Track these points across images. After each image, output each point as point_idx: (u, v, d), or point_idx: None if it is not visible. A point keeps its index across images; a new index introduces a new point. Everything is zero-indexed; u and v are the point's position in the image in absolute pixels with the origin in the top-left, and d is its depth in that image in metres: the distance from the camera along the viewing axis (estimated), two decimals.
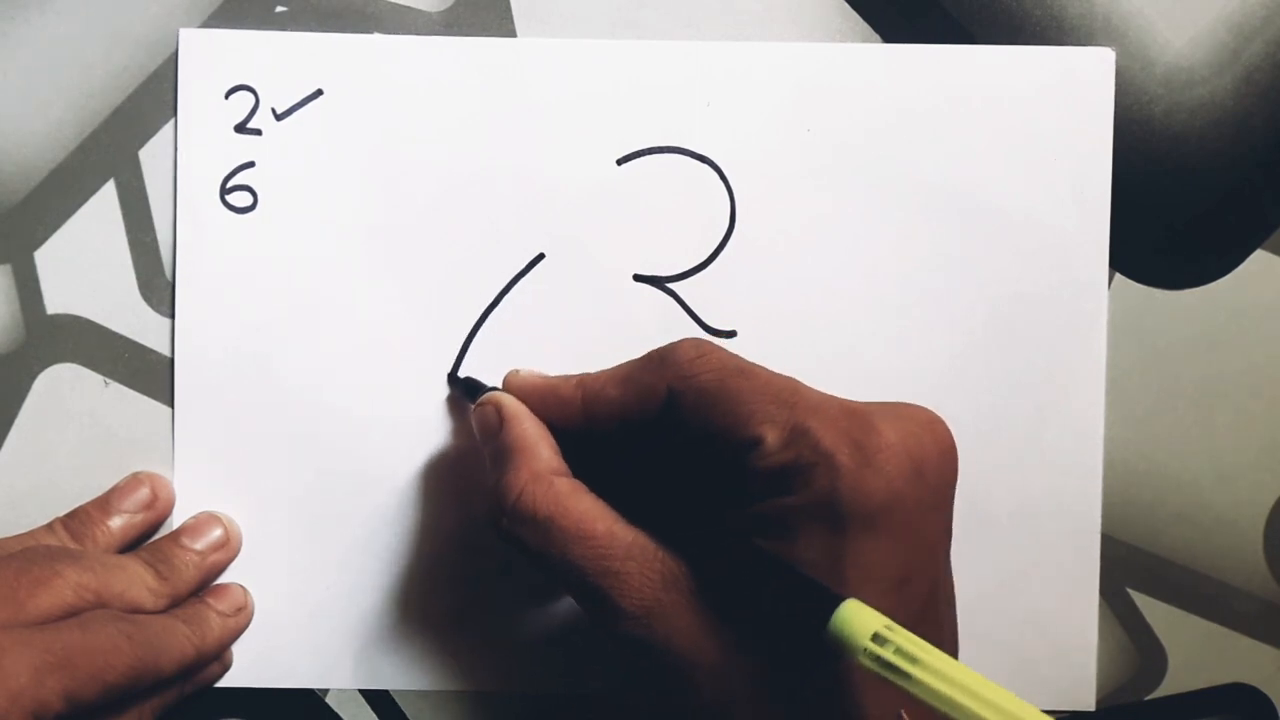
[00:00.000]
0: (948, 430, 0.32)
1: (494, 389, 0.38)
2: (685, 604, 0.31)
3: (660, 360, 0.34)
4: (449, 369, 0.41)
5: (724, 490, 0.32)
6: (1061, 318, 0.41)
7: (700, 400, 0.33)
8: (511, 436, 0.35)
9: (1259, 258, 0.41)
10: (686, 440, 0.33)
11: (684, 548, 0.32)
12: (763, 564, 0.30)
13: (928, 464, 0.31)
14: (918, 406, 0.32)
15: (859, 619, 0.28)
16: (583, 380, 0.36)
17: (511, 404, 0.36)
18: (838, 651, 0.28)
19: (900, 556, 0.30)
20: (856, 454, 0.30)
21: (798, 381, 0.33)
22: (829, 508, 0.30)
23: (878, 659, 0.27)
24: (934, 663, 0.27)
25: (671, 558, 0.32)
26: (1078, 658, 0.41)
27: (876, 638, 0.27)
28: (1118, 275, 0.41)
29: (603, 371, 0.36)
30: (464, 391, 0.40)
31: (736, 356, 0.34)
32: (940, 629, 0.32)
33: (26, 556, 0.36)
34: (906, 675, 0.27)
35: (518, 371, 0.38)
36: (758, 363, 0.33)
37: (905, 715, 0.29)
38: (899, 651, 0.27)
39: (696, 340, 0.34)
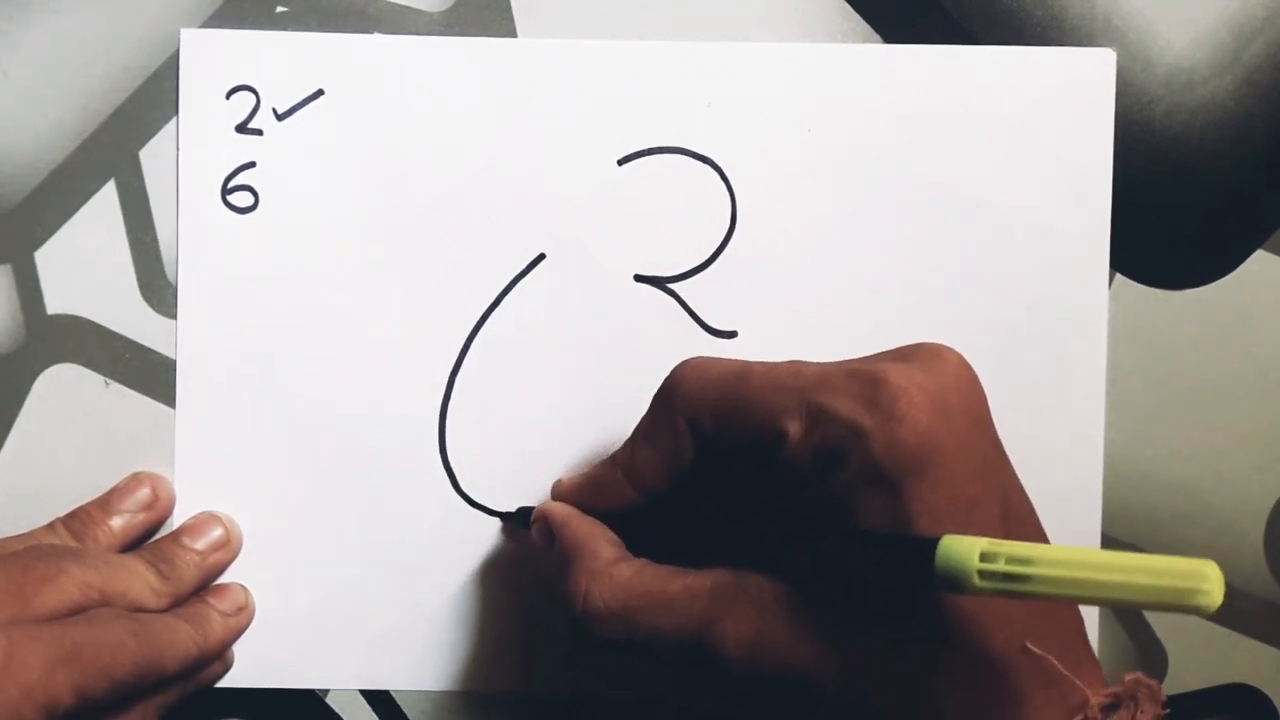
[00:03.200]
0: (956, 354, 0.32)
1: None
2: (786, 619, 0.31)
3: (667, 398, 0.34)
4: (510, 510, 0.40)
5: (778, 494, 0.32)
6: (1061, 318, 0.41)
7: (716, 417, 0.33)
8: (564, 543, 0.35)
9: (1259, 258, 0.41)
10: (722, 463, 0.33)
11: (764, 565, 0.32)
12: (848, 541, 0.30)
13: (947, 393, 0.30)
14: (921, 344, 0.32)
15: (960, 548, 0.27)
16: (614, 457, 0.36)
17: (558, 511, 0.37)
18: (951, 587, 0.27)
19: (958, 487, 0.29)
20: (875, 412, 0.30)
21: (795, 362, 0.33)
22: (872, 472, 0.29)
23: (993, 575, 0.26)
24: (1047, 555, 0.26)
25: (755, 580, 0.31)
26: None
27: (984, 556, 0.27)
28: (1118, 275, 0.41)
29: (625, 442, 0.36)
30: (519, 521, 0.40)
31: (730, 361, 0.33)
32: (1027, 538, 0.31)
33: (32, 554, 0.36)
34: (1027, 578, 0.26)
35: (560, 480, 0.39)
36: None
37: (1030, 645, 0.29)
38: (1010, 560, 0.26)
39: (688, 362, 0.34)
